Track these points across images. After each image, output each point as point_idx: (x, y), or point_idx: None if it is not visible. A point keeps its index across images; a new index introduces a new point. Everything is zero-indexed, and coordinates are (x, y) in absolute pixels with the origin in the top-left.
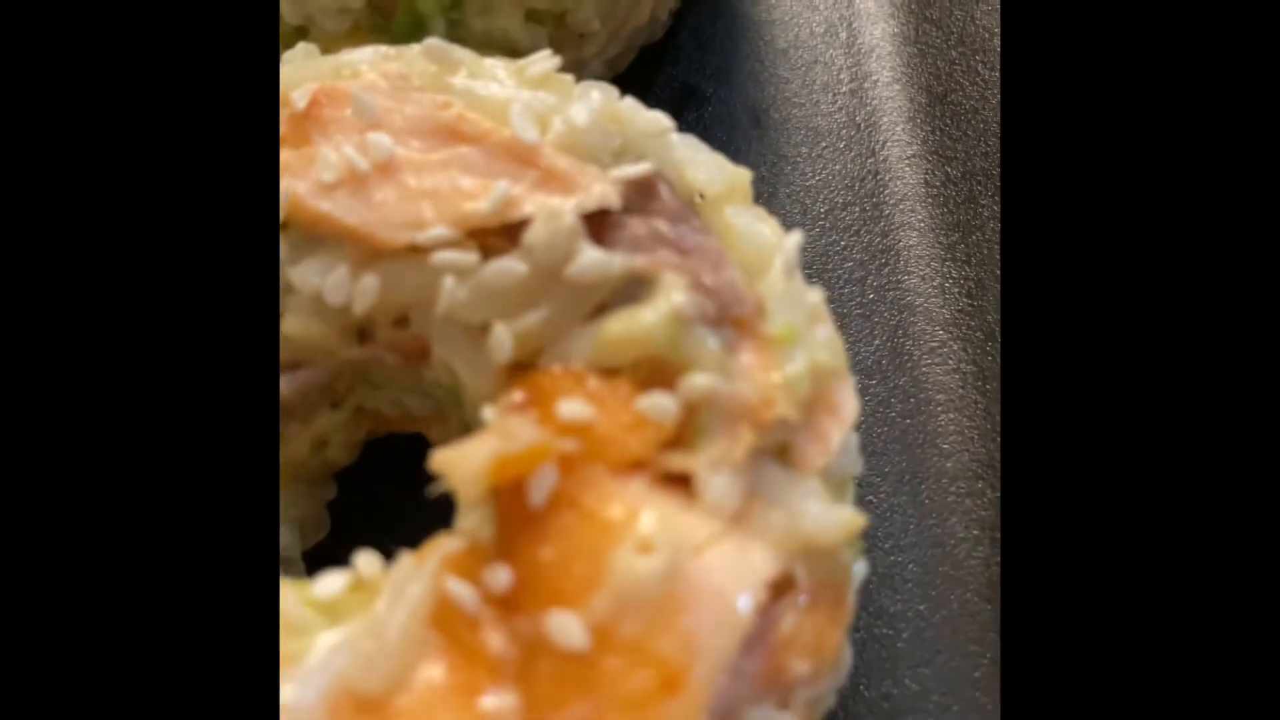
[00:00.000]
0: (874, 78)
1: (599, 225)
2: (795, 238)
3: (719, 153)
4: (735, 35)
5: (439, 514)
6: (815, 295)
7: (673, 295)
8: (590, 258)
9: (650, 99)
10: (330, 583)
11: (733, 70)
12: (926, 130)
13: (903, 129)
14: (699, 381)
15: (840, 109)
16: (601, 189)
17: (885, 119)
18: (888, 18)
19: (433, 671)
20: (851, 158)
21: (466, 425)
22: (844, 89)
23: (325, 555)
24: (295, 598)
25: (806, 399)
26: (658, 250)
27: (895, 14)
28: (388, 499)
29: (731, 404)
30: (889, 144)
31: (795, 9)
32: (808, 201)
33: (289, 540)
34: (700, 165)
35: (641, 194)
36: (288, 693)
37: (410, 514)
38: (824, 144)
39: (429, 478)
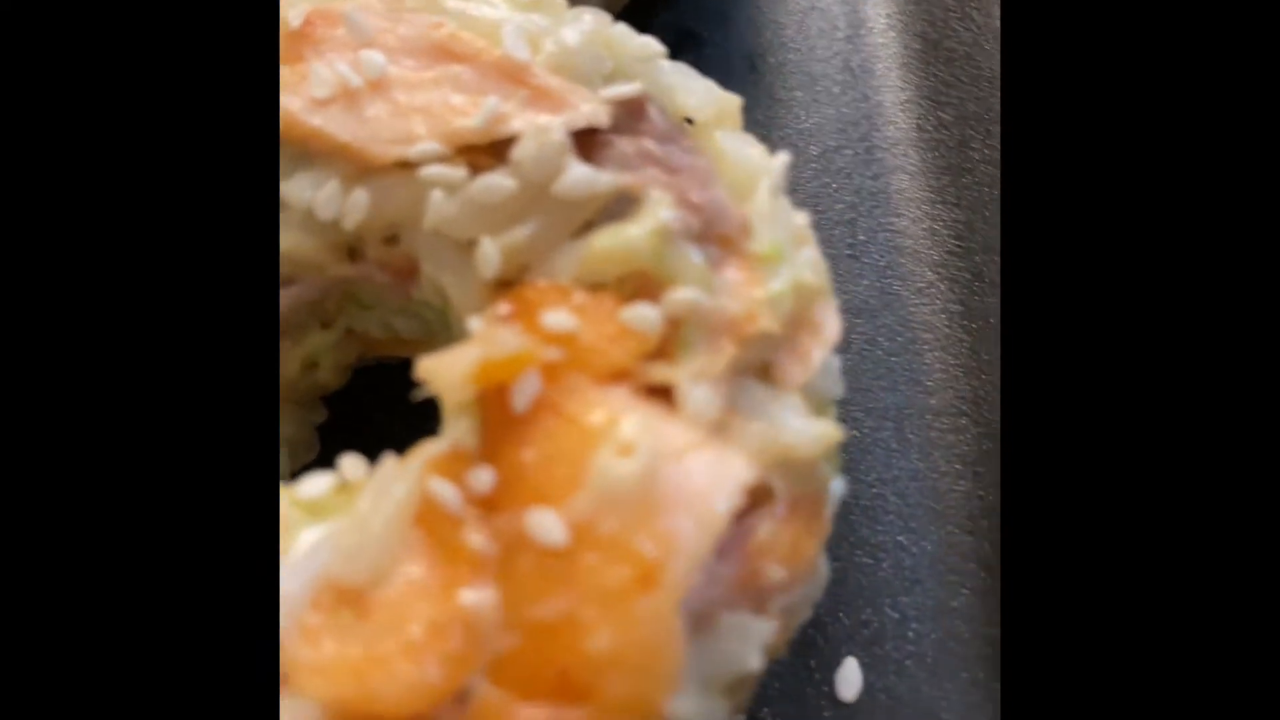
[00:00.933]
0: (869, 24)
1: (588, 144)
2: (783, 159)
3: None
4: None
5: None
6: (801, 217)
7: (659, 211)
8: (578, 174)
9: None
10: (315, 484)
11: (729, 15)
12: (920, 76)
13: (897, 74)
14: (683, 295)
15: (836, 54)
16: (591, 107)
17: (880, 65)
18: None
19: (414, 567)
20: (846, 102)
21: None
22: (840, 35)
23: None
24: (281, 497)
25: (789, 316)
26: (645, 168)
27: None
28: (377, 424)
29: (715, 318)
30: (883, 89)
31: None
32: (801, 145)
33: (279, 460)
34: (690, 91)
35: (630, 114)
36: None
37: (399, 438)
38: (819, 88)
39: (418, 403)
